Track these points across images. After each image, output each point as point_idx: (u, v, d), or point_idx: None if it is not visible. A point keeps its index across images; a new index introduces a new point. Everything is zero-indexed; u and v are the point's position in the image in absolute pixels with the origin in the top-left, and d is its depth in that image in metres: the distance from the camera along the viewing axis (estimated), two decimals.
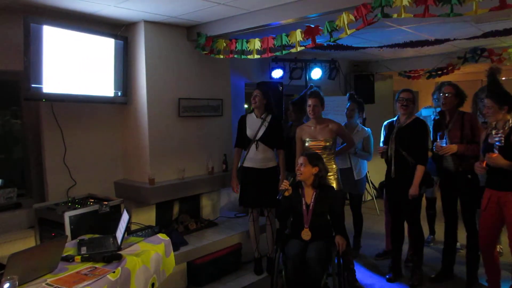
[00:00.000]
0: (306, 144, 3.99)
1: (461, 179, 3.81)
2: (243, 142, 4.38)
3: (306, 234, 3.43)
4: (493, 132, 3.31)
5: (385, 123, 4.23)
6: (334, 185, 3.87)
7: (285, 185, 3.45)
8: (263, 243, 4.49)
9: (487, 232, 3.49)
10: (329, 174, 3.87)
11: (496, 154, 3.24)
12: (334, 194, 3.57)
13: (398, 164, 3.87)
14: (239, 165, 4.44)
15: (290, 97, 6.04)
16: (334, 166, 3.97)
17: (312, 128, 4.01)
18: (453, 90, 3.86)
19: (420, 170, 3.79)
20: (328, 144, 3.93)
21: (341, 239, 3.36)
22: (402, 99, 3.90)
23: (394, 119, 4.11)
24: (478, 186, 3.84)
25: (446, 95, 3.85)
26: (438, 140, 3.81)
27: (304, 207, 3.47)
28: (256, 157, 4.27)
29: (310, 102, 3.94)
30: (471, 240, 3.87)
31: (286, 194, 3.46)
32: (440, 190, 4.05)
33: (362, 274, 4.30)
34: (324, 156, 3.87)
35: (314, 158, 3.51)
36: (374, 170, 7.16)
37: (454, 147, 3.72)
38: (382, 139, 4.25)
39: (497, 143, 3.24)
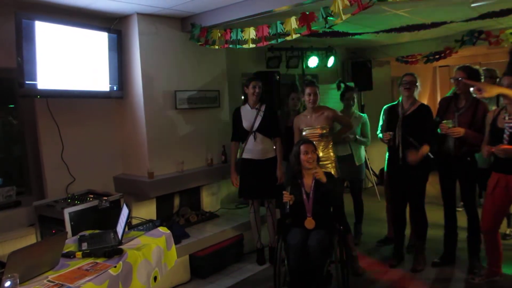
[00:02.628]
0: (304, 133, 3.97)
1: (460, 162, 3.79)
2: (239, 135, 4.35)
3: (309, 223, 3.40)
4: (507, 116, 3.28)
5: (385, 107, 4.20)
6: (333, 172, 3.85)
7: (287, 196, 3.38)
8: (265, 233, 4.48)
9: (492, 216, 3.47)
10: (327, 161, 3.89)
11: (506, 145, 3.22)
12: (332, 180, 3.54)
13: (406, 151, 3.84)
14: (238, 157, 4.42)
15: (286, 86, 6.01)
16: (332, 154, 3.96)
17: (308, 116, 3.99)
18: (464, 74, 3.76)
19: (426, 146, 3.78)
20: (324, 131, 3.91)
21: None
22: (406, 82, 3.90)
23: (395, 103, 4.10)
24: (477, 169, 3.84)
25: (459, 79, 3.78)
26: (444, 121, 3.73)
27: (304, 196, 3.45)
28: (255, 148, 4.25)
29: (308, 90, 3.91)
30: (472, 223, 3.86)
31: (291, 203, 3.40)
32: (439, 173, 4.03)
33: (364, 260, 4.30)
34: (322, 144, 3.87)
35: (312, 144, 3.52)
36: (374, 157, 7.16)
37: (462, 130, 3.64)
38: (380, 123, 4.22)
39: (509, 129, 3.23)
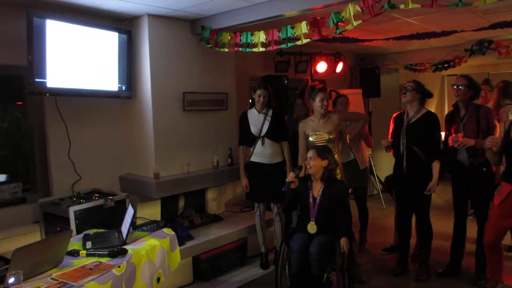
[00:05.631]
0: (310, 138, 3.94)
1: (475, 173, 3.74)
2: (247, 139, 4.33)
3: (312, 228, 3.41)
4: None
5: (395, 115, 4.20)
6: (338, 178, 3.83)
7: (291, 177, 3.41)
8: (269, 237, 4.46)
9: (498, 227, 3.41)
10: None
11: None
12: (342, 188, 3.53)
13: (410, 160, 3.81)
14: (247, 160, 4.40)
15: (295, 91, 6.00)
16: (338, 159, 3.93)
17: (316, 122, 3.96)
18: (465, 81, 3.76)
19: (437, 165, 3.78)
20: (331, 136, 3.89)
21: (345, 242, 3.29)
22: (403, 87, 3.89)
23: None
24: (493, 180, 3.79)
25: (460, 87, 3.77)
26: (454, 134, 3.71)
27: (311, 200, 3.45)
28: (263, 152, 4.23)
29: (322, 96, 3.86)
30: (483, 235, 3.80)
31: (293, 186, 3.43)
32: (452, 184, 3.98)
33: (368, 268, 4.27)
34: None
35: (323, 151, 3.48)
36: (381, 165, 7.13)
37: (471, 141, 3.62)
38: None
39: None
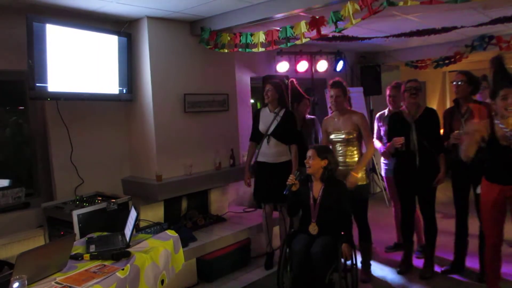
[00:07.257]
0: (331, 136, 3.90)
1: (477, 169, 3.72)
2: (257, 136, 4.33)
3: (313, 228, 3.39)
4: None
5: (378, 114, 4.40)
6: (359, 176, 3.75)
7: (291, 179, 3.39)
8: (275, 238, 4.46)
9: (497, 226, 3.34)
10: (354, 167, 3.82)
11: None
12: (342, 188, 3.49)
13: (422, 156, 3.80)
14: (253, 159, 4.40)
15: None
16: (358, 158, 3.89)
17: (336, 119, 3.90)
18: (464, 77, 3.75)
19: (443, 158, 3.81)
20: (351, 136, 3.81)
21: (347, 248, 3.25)
22: (411, 87, 3.84)
23: (386, 110, 4.29)
24: None
25: (459, 83, 3.76)
26: (458, 131, 3.67)
27: (311, 200, 3.43)
28: (268, 152, 4.23)
29: (332, 92, 3.83)
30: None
31: (294, 188, 3.41)
32: (452, 181, 3.97)
33: (372, 266, 4.26)
34: (348, 148, 3.82)
35: (323, 151, 3.45)
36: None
37: None
38: (375, 129, 4.40)
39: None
